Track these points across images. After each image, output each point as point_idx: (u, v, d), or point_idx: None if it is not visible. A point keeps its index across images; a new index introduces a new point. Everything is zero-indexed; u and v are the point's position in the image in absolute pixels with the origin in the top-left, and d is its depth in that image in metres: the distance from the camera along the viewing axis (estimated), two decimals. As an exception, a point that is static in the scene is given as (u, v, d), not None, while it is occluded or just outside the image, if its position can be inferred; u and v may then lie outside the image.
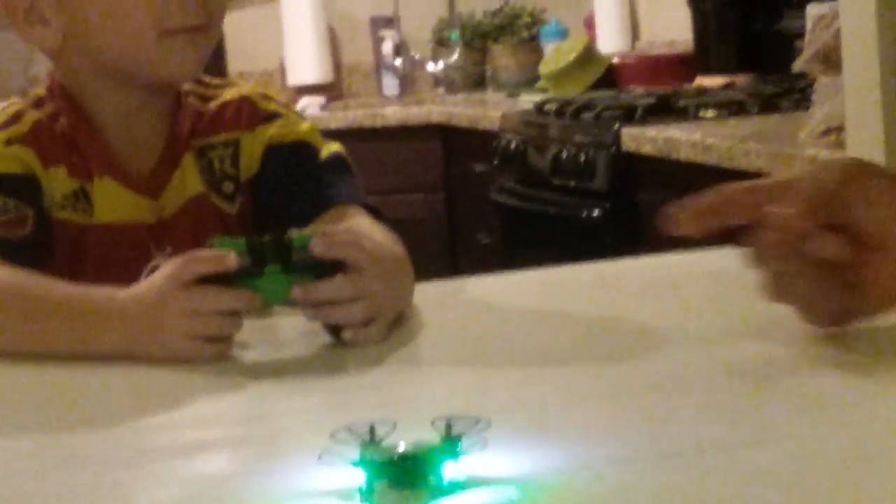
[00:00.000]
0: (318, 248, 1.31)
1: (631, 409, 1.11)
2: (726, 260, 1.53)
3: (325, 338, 1.35)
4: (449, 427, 0.94)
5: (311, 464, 0.95)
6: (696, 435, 1.03)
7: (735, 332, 1.29)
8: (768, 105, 3.45)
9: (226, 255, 1.30)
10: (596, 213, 3.47)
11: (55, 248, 1.57)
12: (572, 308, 1.50)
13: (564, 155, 3.60)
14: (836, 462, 0.96)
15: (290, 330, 1.43)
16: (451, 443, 0.94)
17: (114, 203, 1.58)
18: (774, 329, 1.26)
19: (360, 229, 1.47)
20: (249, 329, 1.35)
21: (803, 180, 1.21)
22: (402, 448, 0.93)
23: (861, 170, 1.21)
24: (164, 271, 1.32)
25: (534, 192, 3.81)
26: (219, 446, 1.11)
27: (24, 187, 1.54)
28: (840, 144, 2.53)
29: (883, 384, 1.12)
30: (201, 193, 1.62)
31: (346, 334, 1.33)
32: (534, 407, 1.14)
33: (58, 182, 1.56)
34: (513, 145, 3.89)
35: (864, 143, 2.29)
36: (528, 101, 4.26)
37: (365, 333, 1.33)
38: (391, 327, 1.37)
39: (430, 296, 1.50)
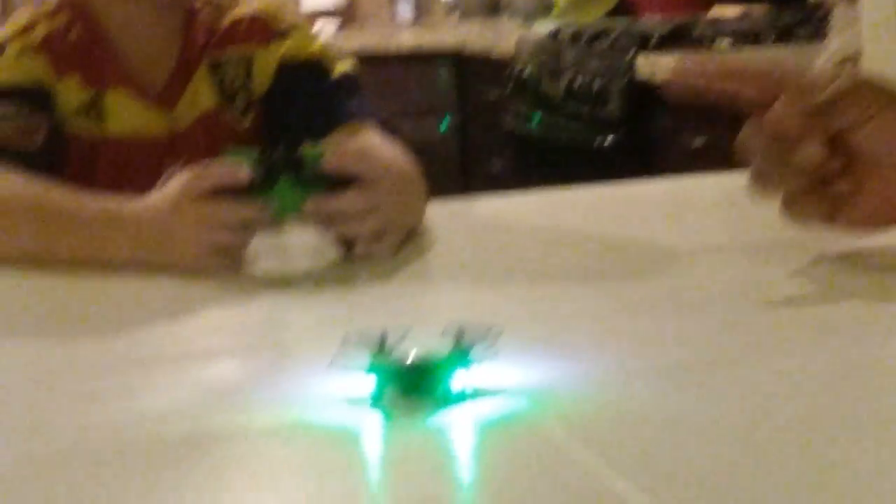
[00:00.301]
0: (331, 161, 1.31)
1: (642, 324, 1.11)
2: (739, 180, 1.53)
3: (336, 252, 1.35)
4: (460, 336, 0.94)
5: (321, 371, 0.95)
6: (706, 351, 1.04)
7: (748, 252, 1.28)
8: (784, 35, 3.43)
9: (238, 168, 1.30)
10: (609, 140, 3.46)
11: (68, 160, 1.57)
12: (585, 228, 1.49)
13: (578, 82, 3.59)
14: (841, 380, 0.96)
15: (300, 244, 1.43)
16: (461, 352, 0.94)
17: (126, 114, 1.58)
18: (789, 251, 1.26)
19: (372, 145, 1.47)
20: (261, 243, 1.35)
21: (812, 83, 1.20)
22: (412, 356, 0.93)
23: (868, 85, 1.20)
24: (177, 182, 1.32)
25: (547, 119, 3.80)
26: (228, 354, 1.11)
27: (37, 97, 1.54)
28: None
29: (893, 309, 1.12)
30: (214, 108, 1.62)
31: (358, 247, 1.33)
32: (545, 320, 1.14)
33: (71, 91, 1.56)
34: (526, 72, 3.88)
35: (880, 73, 2.27)
36: (542, 28, 4.24)
37: (376, 247, 1.33)
38: (402, 242, 1.37)
39: (442, 214, 1.50)
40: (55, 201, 1.38)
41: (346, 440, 0.88)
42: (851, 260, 1.22)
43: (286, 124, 1.61)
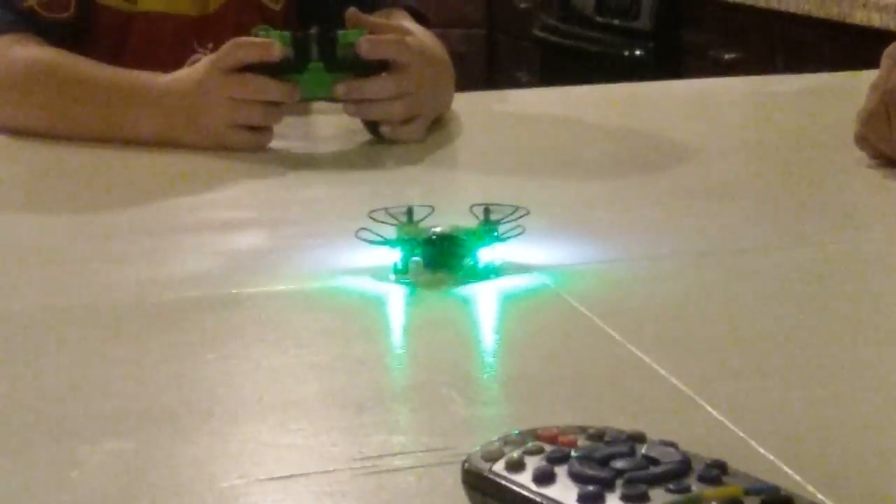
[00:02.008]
0: (364, 46, 1.30)
1: (671, 211, 1.11)
2: (767, 85, 1.53)
3: (365, 136, 1.35)
4: (487, 213, 0.94)
5: (347, 244, 0.95)
6: (733, 237, 1.04)
7: (777, 146, 1.28)
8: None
9: (271, 44, 1.29)
10: (638, 52, 3.43)
11: (97, 34, 1.56)
12: (613, 122, 1.49)
13: (610, -6, 3.56)
14: (857, 267, 0.96)
15: (329, 127, 1.43)
16: (488, 227, 0.94)
17: (159, -10, 1.57)
18: (818, 145, 1.26)
19: (405, 30, 1.46)
20: (289, 124, 1.35)
21: None
22: (439, 229, 0.93)
23: None
24: (208, 57, 1.31)
25: (577, 30, 3.77)
26: (255, 225, 1.11)
27: None
28: None
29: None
30: (247, -12, 1.61)
31: (385, 131, 1.33)
32: (571, 205, 1.14)
33: None
34: (558, -18, 3.85)
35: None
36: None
37: (404, 131, 1.32)
38: (430, 128, 1.37)
39: (471, 103, 1.50)
40: (84, 72, 1.38)
41: (372, 307, 0.89)
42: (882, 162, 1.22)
43: (319, 8, 1.60)
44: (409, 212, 0.94)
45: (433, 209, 0.95)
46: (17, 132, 1.39)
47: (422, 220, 0.94)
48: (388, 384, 0.77)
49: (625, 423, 0.58)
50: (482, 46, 4.62)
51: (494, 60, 4.61)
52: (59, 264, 0.99)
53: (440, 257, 0.93)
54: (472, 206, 0.94)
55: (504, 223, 0.94)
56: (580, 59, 3.75)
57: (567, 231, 1.05)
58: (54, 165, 1.32)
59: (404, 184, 1.23)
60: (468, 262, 0.93)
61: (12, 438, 0.69)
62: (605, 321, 0.83)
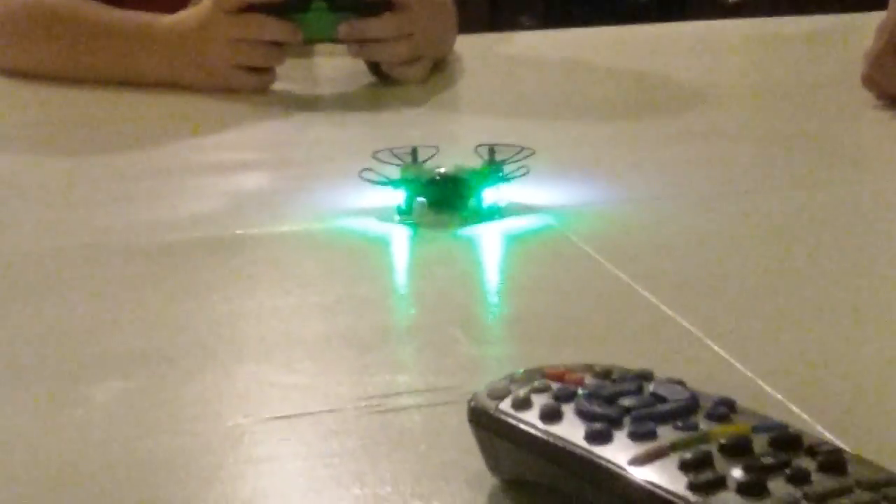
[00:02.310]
0: None
1: (677, 153, 1.11)
2: (772, 27, 1.52)
3: (368, 78, 1.35)
4: (492, 153, 0.94)
5: (351, 185, 0.94)
6: (740, 179, 1.03)
7: (783, 88, 1.28)
8: None
9: None
10: (642, -3, 3.42)
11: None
12: (619, 64, 1.48)
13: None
14: (862, 211, 0.96)
15: (332, 69, 1.42)
16: (493, 168, 0.93)
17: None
18: (824, 86, 1.25)
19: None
20: (292, 66, 1.35)
21: None
22: (443, 170, 0.93)
23: None
24: None
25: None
26: (259, 166, 1.11)
27: None
28: None
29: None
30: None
31: (387, 71, 1.32)
32: (575, 146, 1.13)
33: None
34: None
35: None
36: None
37: (406, 71, 1.32)
38: (433, 70, 1.36)
39: (473, 45, 1.49)
40: (86, 14, 1.37)
41: (376, 248, 0.88)
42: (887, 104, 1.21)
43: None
44: (414, 152, 0.94)
45: (437, 150, 0.94)
46: (20, 74, 1.38)
47: (426, 160, 0.93)
48: (393, 324, 0.77)
49: (632, 362, 0.58)
50: (485, -9, 4.59)
51: (497, 3, 4.58)
52: (62, 206, 0.99)
53: (444, 198, 0.92)
54: (476, 147, 0.94)
55: (509, 163, 0.93)
56: (584, 2, 3.73)
57: (572, 172, 1.04)
58: (56, 108, 1.31)
59: (408, 125, 1.22)
60: (473, 202, 0.92)
61: (17, 379, 0.68)
62: (611, 261, 0.82)
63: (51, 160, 1.13)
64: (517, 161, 0.93)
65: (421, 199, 0.92)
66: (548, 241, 0.88)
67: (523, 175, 0.93)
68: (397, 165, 0.93)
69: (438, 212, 0.92)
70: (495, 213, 0.92)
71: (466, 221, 0.91)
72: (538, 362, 0.59)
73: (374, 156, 0.94)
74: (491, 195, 0.92)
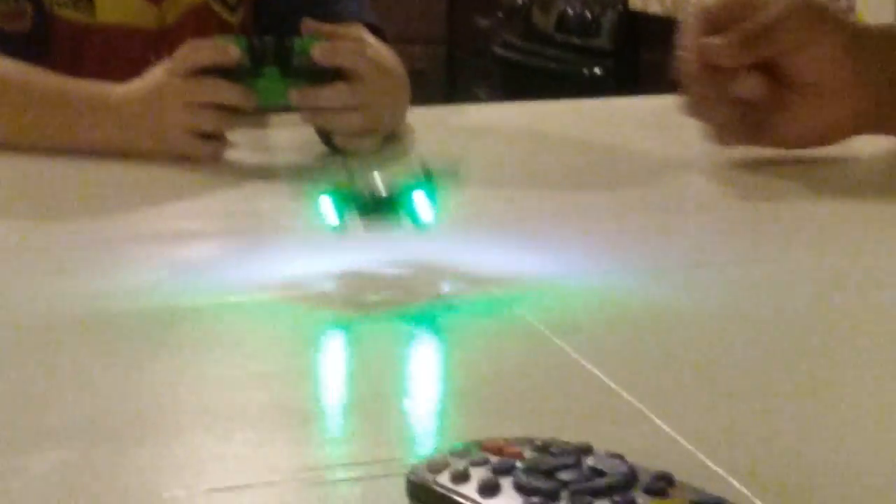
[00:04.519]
0: (320, 53, 1.30)
1: (629, 226, 1.11)
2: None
3: (319, 147, 1.35)
4: (425, 165, 0.93)
5: (299, 256, 0.94)
6: (693, 253, 1.03)
7: (735, 164, 1.28)
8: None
9: (227, 47, 1.29)
10: (598, 70, 3.44)
11: (54, 47, 1.55)
12: (571, 135, 1.49)
13: (570, 12, 3.57)
14: (820, 283, 0.96)
15: (284, 139, 1.42)
16: (427, 178, 0.92)
17: (116, 3, 1.56)
18: (775, 160, 1.26)
19: (363, 42, 1.46)
20: (244, 136, 1.35)
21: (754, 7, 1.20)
22: (378, 183, 0.93)
23: (808, 11, 1.20)
24: (164, 62, 1.31)
25: (537, 48, 3.79)
26: (207, 235, 1.10)
27: None
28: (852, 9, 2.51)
29: (872, 219, 1.12)
30: (204, 1, 1.60)
31: (339, 141, 1.32)
32: (529, 218, 1.13)
33: None
34: (518, 2, 3.86)
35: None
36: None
37: (360, 142, 1.32)
38: (385, 141, 1.36)
39: (427, 117, 1.49)
40: (41, 84, 1.37)
41: (320, 319, 0.88)
42: (839, 165, 1.22)
43: (277, 22, 1.59)
44: (349, 167, 0.94)
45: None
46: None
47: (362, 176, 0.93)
48: (334, 396, 0.76)
49: (572, 435, 0.58)
50: (442, 63, 4.63)
51: (454, 77, 4.61)
52: (5, 280, 0.98)
53: (379, 209, 0.92)
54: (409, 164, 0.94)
55: (443, 174, 0.93)
56: (540, 76, 3.76)
57: (523, 244, 1.04)
58: (5, 175, 1.30)
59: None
60: (406, 215, 0.92)
61: (-48, 448, 0.67)
62: (556, 335, 0.82)
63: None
64: (452, 171, 0.93)
65: (355, 213, 0.92)
66: (493, 313, 0.88)
67: (458, 185, 0.93)
68: (332, 180, 0.93)
69: (374, 223, 0.92)
70: (428, 225, 0.92)
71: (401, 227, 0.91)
72: (479, 435, 0.58)
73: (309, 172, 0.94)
74: (425, 210, 0.92)
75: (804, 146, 1.26)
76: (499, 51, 4.01)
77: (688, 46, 1.20)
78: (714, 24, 1.20)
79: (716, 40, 1.18)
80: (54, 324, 0.87)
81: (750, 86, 1.20)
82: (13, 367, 0.79)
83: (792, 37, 1.18)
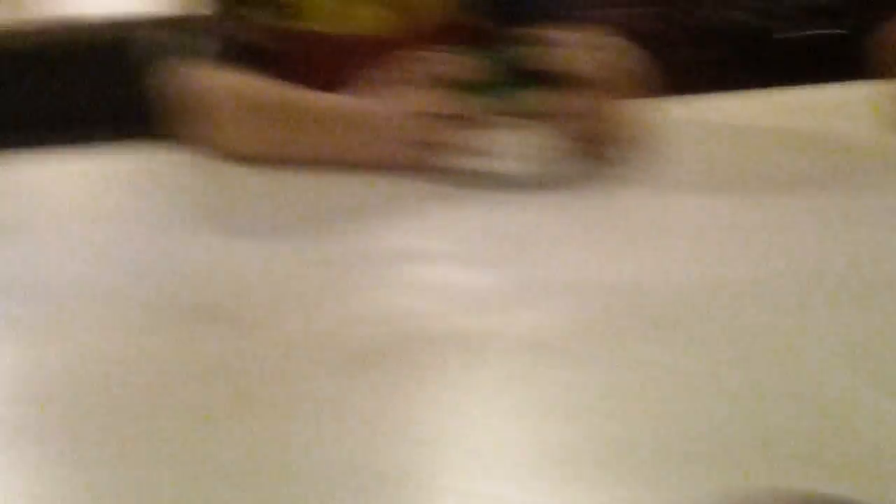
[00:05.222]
0: (553, 63, 1.30)
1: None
2: None
3: (554, 154, 1.34)
4: None
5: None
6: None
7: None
8: None
9: (461, 60, 1.30)
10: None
11: (298, 60, 1.57)
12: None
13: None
14: None
15: (516, 145, 1.40)
16: None
17: (362, 15, 1.57)
18: None
19: (596, 48, 1.44)
20: (476, 141, 1.34)
21: None
22: None
23: None
24: (396, 76, 1.33)
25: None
26: (453, 258, 1.12)
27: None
28: None
29: None
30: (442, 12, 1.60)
31: (575, 149, 1.32)
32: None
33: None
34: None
35: None
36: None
37: (594, 150, 1.32)
38: (615, 148, 1.35)
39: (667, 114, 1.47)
40: (302, 100, 1.40)
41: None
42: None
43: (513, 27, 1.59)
44: None
45: None
46: (237, 157, 1.41)
47: None
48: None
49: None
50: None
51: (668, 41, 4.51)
52: (266, 302, 1.02)
53: None
54: None
55: None
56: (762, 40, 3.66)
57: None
58: (257, 194, 1.33)
59: (601, 210, 1.22)
60: None
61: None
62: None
63: (271, 245, 1.16)
64: None
65: None
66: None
67: None
68: None
69: None
70: None
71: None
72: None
73: None
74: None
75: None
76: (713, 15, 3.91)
77: None
78: None
79: None
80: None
81: None
82: (260, 394, 0.83)
83: None
